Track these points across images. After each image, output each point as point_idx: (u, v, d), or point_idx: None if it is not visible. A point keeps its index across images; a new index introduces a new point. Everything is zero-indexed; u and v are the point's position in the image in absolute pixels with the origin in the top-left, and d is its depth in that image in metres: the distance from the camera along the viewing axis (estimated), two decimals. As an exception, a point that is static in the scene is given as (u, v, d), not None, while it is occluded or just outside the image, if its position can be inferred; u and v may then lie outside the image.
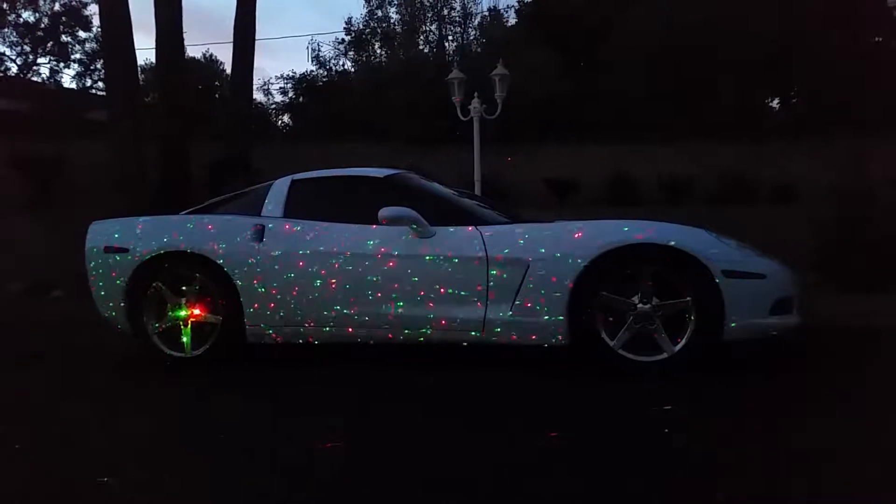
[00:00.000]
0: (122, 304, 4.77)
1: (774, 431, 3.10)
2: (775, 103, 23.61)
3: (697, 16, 18.52)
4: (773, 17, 17.77)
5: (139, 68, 13.43)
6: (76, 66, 29.96)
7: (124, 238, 4.82)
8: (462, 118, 10.58)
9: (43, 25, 28.67)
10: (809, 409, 3.46)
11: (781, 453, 2.82)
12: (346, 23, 29.27)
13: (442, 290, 4.30)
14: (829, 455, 2.79)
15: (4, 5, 26.77)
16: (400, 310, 4.37)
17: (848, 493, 2.46)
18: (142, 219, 5.04)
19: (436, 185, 5.12)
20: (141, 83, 14.40)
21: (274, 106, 28.53)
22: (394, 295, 4.38)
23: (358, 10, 38.38)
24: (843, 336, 5.16)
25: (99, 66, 27.69)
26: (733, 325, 3.97)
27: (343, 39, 29.09)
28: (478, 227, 4.40)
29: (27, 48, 28.87)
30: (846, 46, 17.85)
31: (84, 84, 29.94)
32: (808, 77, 19.84)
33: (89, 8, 28.34)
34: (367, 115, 20.71)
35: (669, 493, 2.49)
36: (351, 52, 29.26)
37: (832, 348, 4.81)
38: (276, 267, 4.55)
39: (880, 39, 19.85)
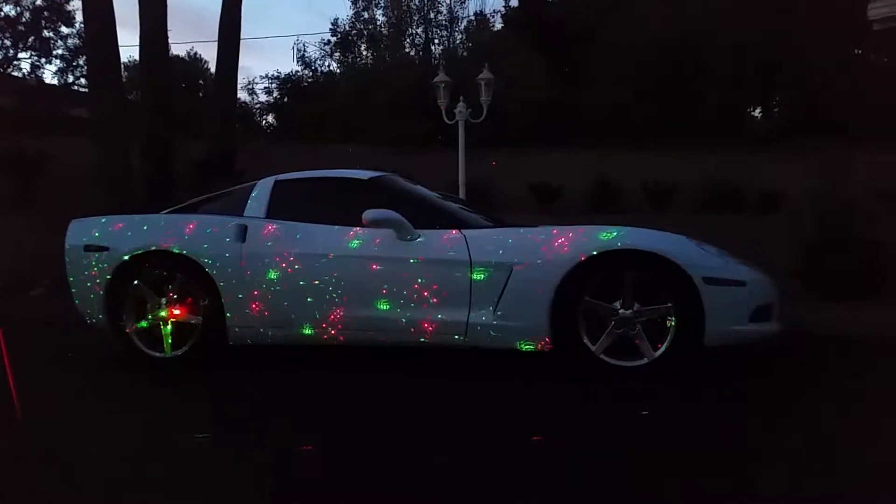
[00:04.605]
0: (102, 304, 4.72)
1: (753, 434, 3.13)
2: (757, 112, 23.85)
3: (682, 24, 18.68)
4: (756, 28, 17.96)
5: (122, 65, 13.31)
6: (58, 61, 29.62)
7: (105, 237, 4.78)
8: (447, 122, 10.59)
9: (24, 20, 28.32)
10: (788, 412, 3.50)
11: (761, 455, 2.84)
12: (333, 24, 29.19)
13: (425, 293, 4.30)
14: (806, 455, 2.82)
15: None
16: (383, 312, 4.36)
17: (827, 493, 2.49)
18: (123, 217, 5.00)
19: (420, 189, 5.12)
20: (124, 80, 14.26)
21: (258, 105, 28.40)
22: (376, 297, 4.37)
23: (344, 12, 38.29)
24: (823, 343, 5.22)
25: (82, 62, 27.41)
26: (713, 331, 4.00)
27: (329, 40, 29.02)
28: (462, 230, 4.41)
29: (7, 42, 28.51)
30: (828, 57, 18.08)
31: (66, 80, 29.62)
32: (791, 87, 20.07)
33: (72, 3, 28.05)
34: (352, 116, 20.67)
35: (657, 494, 2.51)
36: (337, 54, 29.19)
37: (810, 355, 4.86)
38: (259, 268, 4.53)
39: (860, 52, 20.13)
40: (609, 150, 15.67)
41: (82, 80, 27.84)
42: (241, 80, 31.02)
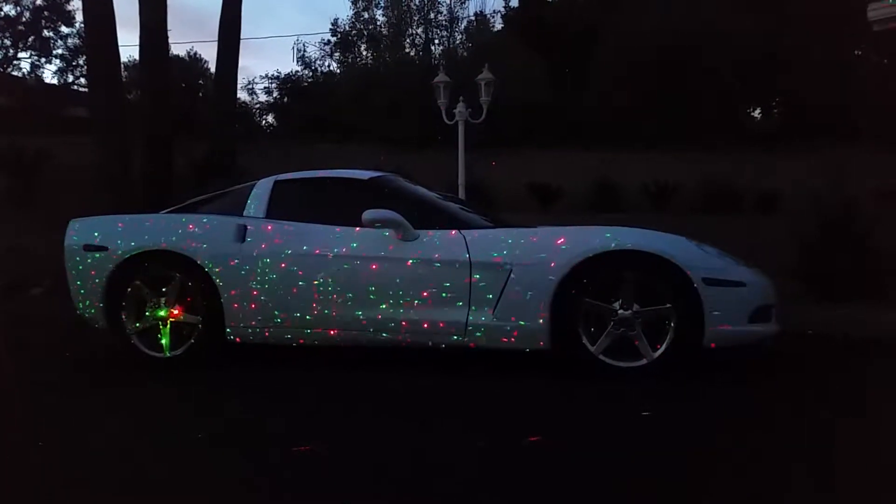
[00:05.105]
0: (101, 303, 4.72)
1: (753, 434, 3.12)
2: (757, 113, 23.87)
3: (682, 25, 18.70)
4: (756, 29, 17.98)
5: (122, 65, 13.31)
6: (58, 61, 29.63)
7: (104, 236, 4.78)
8: (447, 122, 10.58)
9: (24, 19, 28.33)
10: (787, 412, 3.50)
11: (761, 455, 2.84)
12: (333, 24, 29.22)
13: (424, 293, 4.30)
14: (806, 455, 2.82)
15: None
16: (382, 312, 4.36)
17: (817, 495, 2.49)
18: (122, 217, 5.00)
19: (420, 189, 5.12)
20: (124, 80, 14.28)
21: (258, 105, 28.42)
22: (375, 297, 4.36)
23: (344, 12, 38.33)
24: (822, 343, 5.22)
25: (82, 61, 27.41)
26: (713, 332, 4.00)
27: (329, 40, 29.04)
28: (461, 231, 4.40)
29: (7, 42, 28.52)
30: (827, 58, 18.10)
31: (66, 80, 29.62)
32: (791, 88, 20.09)
33: (72, 3, 28.08)
34: (352, 116, 20.68)
35: (657, 495, 2.51)
36: (337, 54, 29.23)
37: (809, 355, 4.87)
38: (258, 268, 4.52)
39: (860, 52, 20.15)
40: (609, 150, 15.70)
41: (82, 80, 27.84)
42: (241, 80, 31.05)
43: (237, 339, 4.60)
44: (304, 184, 5.00)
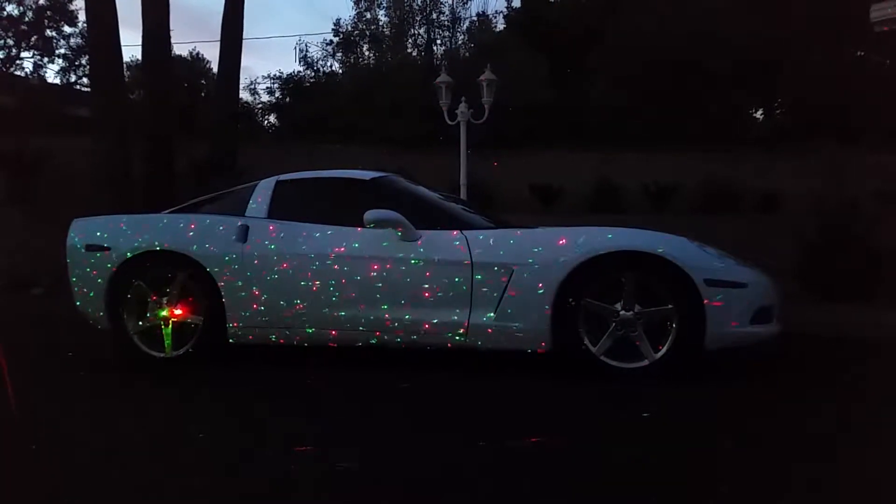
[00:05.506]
0: (103, 303, 4.73)
1: (754, 435, 3.13)
2: (759, 114, 23.82)
3: (683, 26, 18.68)
4: (758, 30, 17.96)
5: (125, 65, 13.30)
6: (61, 61, 29.63)
7: (106, 236, 4.79)
8: (449, 122, 10.57)
9: (27, 19, 28.34)
10: (788, 413, 3.50)
11: (761, 456, 2.84)
12: (335, 24, 29.18)
13: (426, 293, 4.30)
14: (806, 456, 2.82)
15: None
16: (383, 313, 4.36)
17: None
18: (124, 217, 5.02)
19: (422, 189, 5.12)
20: (127, 80, 14.28)
21: (260, 105, 28.38)
22: (377, 298, 4.37)
23: (346, 12, 38.32)
24: (823, 344, 5.22)
25: (84, 61, 27.43)
26: (714, 332, 4.00)
27: (331, 41, 29.01)
28: (463, 231, 4.41)
29: (10, 42, 28.53)
30: (829, 60, 18.08)
31: (69, 80, 29.63)
32: (792, 89, 20.06)
33: (75, 2, 28.08)
34: (354, 116, 20.65)
35: (657, 496, 2.51)
36: (339, 54, 29.19)
37: (811, 356, 4.87)
38: (260, 268, 4.53)
39: (862, 54, 20.11)
40: (611, 150, 15.67)
41: (85, 80, 27.86)
42: (244, 79, 31.07)
43: (238, 340, 4.61)
44: (305, 184, 5.01)
